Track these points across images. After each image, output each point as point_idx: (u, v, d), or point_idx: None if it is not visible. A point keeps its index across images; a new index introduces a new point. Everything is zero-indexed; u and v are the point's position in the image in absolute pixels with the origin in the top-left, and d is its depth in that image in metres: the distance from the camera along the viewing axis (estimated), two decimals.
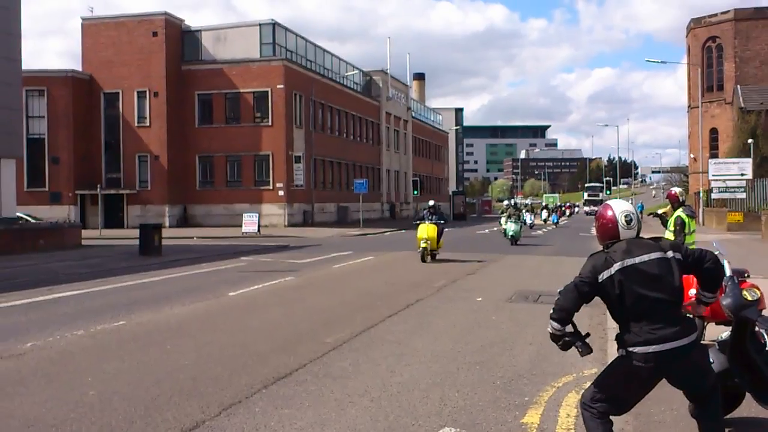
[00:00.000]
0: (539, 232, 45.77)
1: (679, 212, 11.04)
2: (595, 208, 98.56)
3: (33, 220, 36.02)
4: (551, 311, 4.80)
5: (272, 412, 6.63)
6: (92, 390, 7.38)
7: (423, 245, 21.83)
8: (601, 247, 4.94)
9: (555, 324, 4.77)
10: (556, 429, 6.19)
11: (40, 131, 50.57)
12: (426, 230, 22.03)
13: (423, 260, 21.77)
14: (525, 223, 41.16)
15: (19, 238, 28.46)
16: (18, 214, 33.33)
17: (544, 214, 60.46)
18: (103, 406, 6.79)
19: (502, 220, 33.78)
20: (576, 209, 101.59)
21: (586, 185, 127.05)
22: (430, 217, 22.61)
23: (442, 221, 22.86)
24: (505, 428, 6.21)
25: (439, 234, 22.54)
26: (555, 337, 4.84)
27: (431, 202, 24.30)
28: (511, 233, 30.91)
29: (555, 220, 57.10)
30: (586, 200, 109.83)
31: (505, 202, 37.31)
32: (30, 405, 6.81)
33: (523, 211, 45.44)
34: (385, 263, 21.58)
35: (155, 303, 13.76)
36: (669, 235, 11.20)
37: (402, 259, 23.98)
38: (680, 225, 10.87)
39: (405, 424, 6.29)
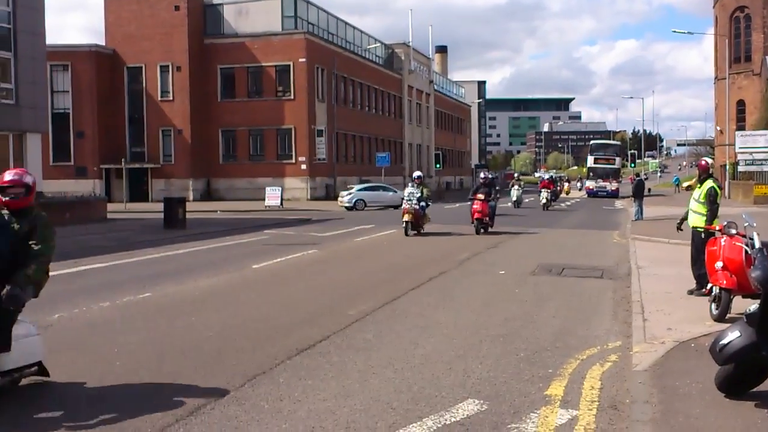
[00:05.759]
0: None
1: (711, 183, 10.89)
2: (608, 186, 61.47)
3: None
4: None
5: (296, 383, 6.68)
6: (118, 360, 7.47)
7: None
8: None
9: None
10: (579, 401, 6.16)
11: (64, 106, 50.94)
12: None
13: (406, 234, 21.97)
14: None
15: (46, 212, 28.70)
16: None
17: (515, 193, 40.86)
18: (129, 377, 6.87)
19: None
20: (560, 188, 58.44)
21: (591, 142, 72.65)
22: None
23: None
24: (529, 400, 6.20)
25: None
26: None
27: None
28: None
29: None
30: (590, 168, 62.29)
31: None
32: (57, 376, 6.89)
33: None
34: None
35: (180, 275, 13.87)
36: (700, 208, 10.99)
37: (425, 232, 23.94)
38: (713, 196, 10.76)
39: (428, 395, 6.31)
